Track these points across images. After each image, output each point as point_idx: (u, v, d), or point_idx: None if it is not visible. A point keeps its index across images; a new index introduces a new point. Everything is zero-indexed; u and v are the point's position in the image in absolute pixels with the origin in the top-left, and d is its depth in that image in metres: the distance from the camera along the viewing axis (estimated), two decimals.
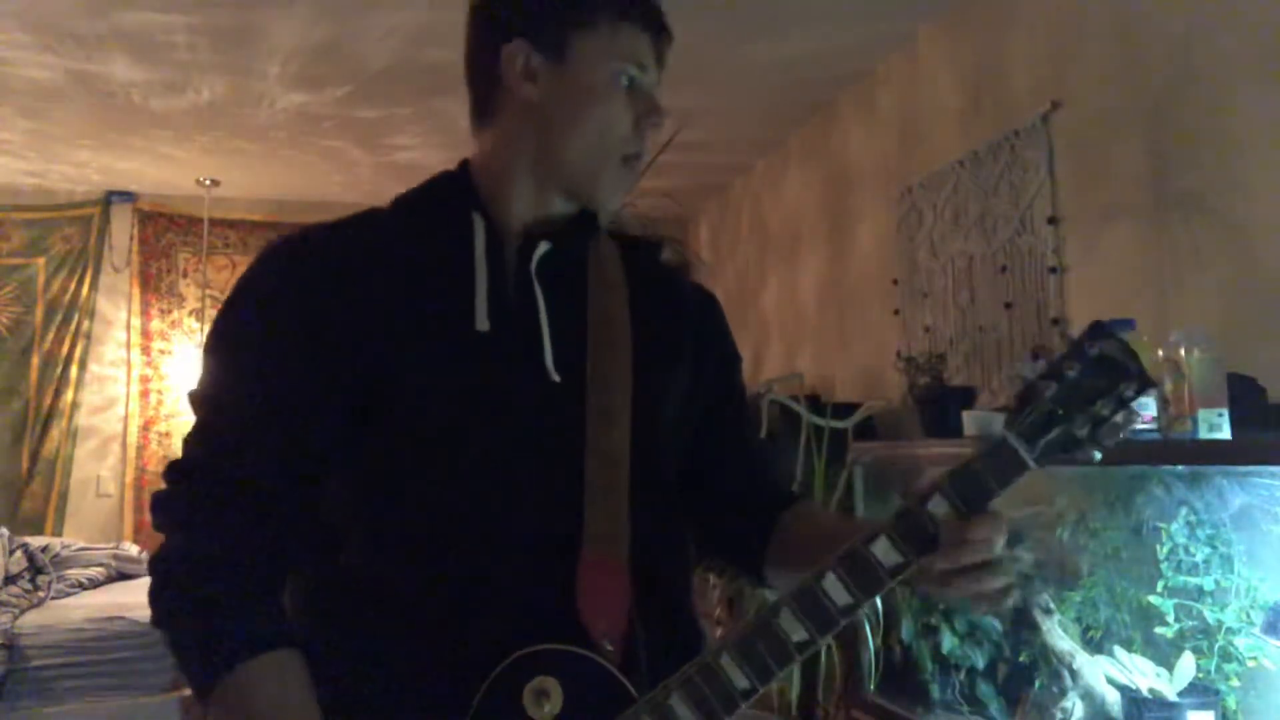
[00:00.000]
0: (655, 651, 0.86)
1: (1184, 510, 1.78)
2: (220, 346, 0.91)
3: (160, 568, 0.85)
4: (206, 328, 0.97)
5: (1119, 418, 0.80)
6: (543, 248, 0.94)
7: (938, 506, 0.80)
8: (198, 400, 0.90)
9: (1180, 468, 1.76)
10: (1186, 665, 1.72)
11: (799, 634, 0.80)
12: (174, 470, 0.87)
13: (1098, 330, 0.82)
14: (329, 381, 0.87)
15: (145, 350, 5.04)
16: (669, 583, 0.96)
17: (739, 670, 0.79)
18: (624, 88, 0.94)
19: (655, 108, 0.96)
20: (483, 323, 0.89)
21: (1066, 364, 0.81)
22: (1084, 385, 0.80)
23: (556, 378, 0.90)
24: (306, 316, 0.88)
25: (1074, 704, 1.81)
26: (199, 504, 0.85)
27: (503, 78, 0.95)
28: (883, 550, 0.80)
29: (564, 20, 0.93)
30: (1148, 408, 1.63)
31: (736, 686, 0.79)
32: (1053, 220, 2.53)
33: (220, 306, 0.93)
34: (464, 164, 1.01)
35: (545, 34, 0.93)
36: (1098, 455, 0.80)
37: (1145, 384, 0.80)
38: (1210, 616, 1.73)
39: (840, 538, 0.95)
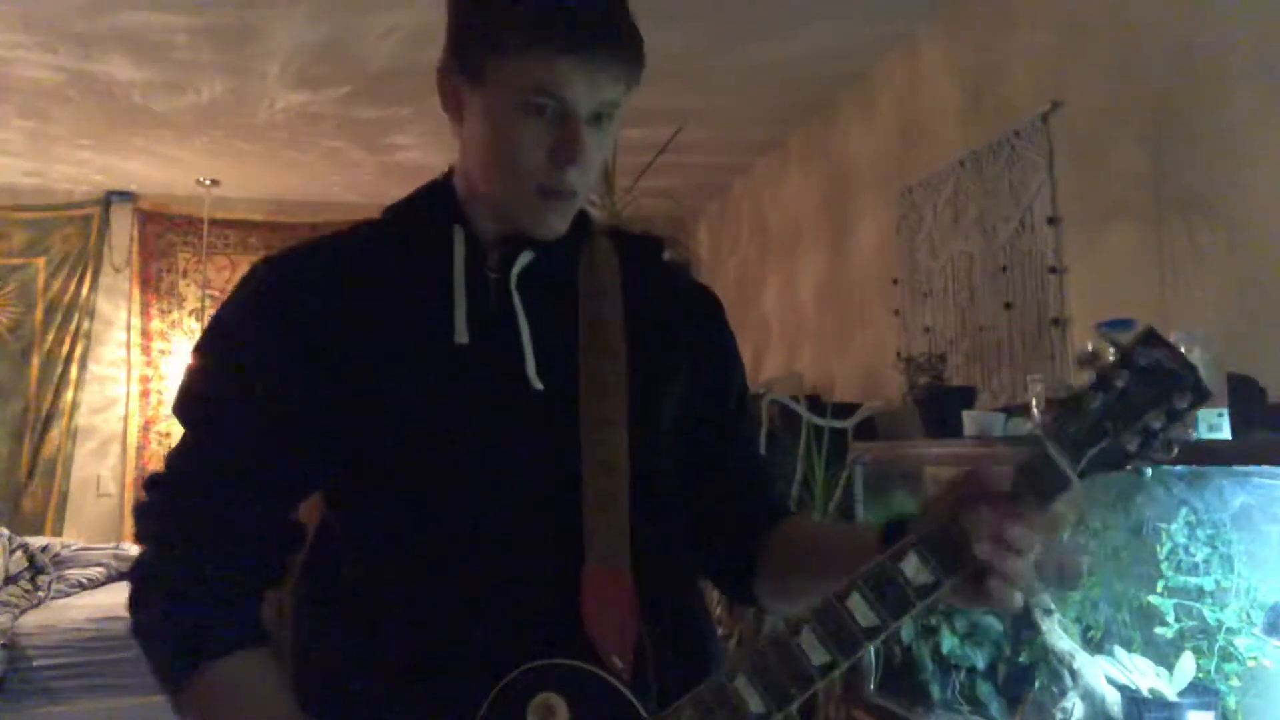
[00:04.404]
0: (665, 667, 0.83)
1: (1184, 510, 1.78)
2: (203, 363, 0.91)
3: (138, 572, 0.86)
4: (203, 328, 1.00)
5: (1172, 431, 0.75)
6: (525, 258, 0.92)
7: (972, 521, 0.75)
8: (181, 414, 0.91)
9: (1180, 468, 1.76)
10: (1186, 665, 1.72)
11: (820, 656, 0.74)
12: (154, 482, 0.88)
13: (1149, 337, 0.77)
14: (310, 402, 0.87)
15: (145, 350, 5.05)
16: (676, 594, 0.94)
17: (755, 693, 0.74)
18: (536, 117, 0.85)
19: (568, 141, 0.85)
20: (462, 335, 0.88)
21: (1115, 373, 0.76)
22: (1133, 396, 0.75)
23: (539, 385, 0.88)
24: (288, 338, 0.88)
25: (1074, 704, 1.81)
26: (176, 517, 0.86)
27: (442, 100, 0.93)
28: (913, 569, 0.75)
29: (479, 44, 0.86)
30: None
31: (751, 711, 0.74)
32: (1053, 220, 2.53)
33: (205, 323, 0.93)
34: (451, 171, 0.99)
35: (466, 58, 0.88)
36: (1148, 471, 0.76)
37: (1200, 395, 0.75)
38: (1210, 616, 1.73)
39: (838, 546, 0.93)
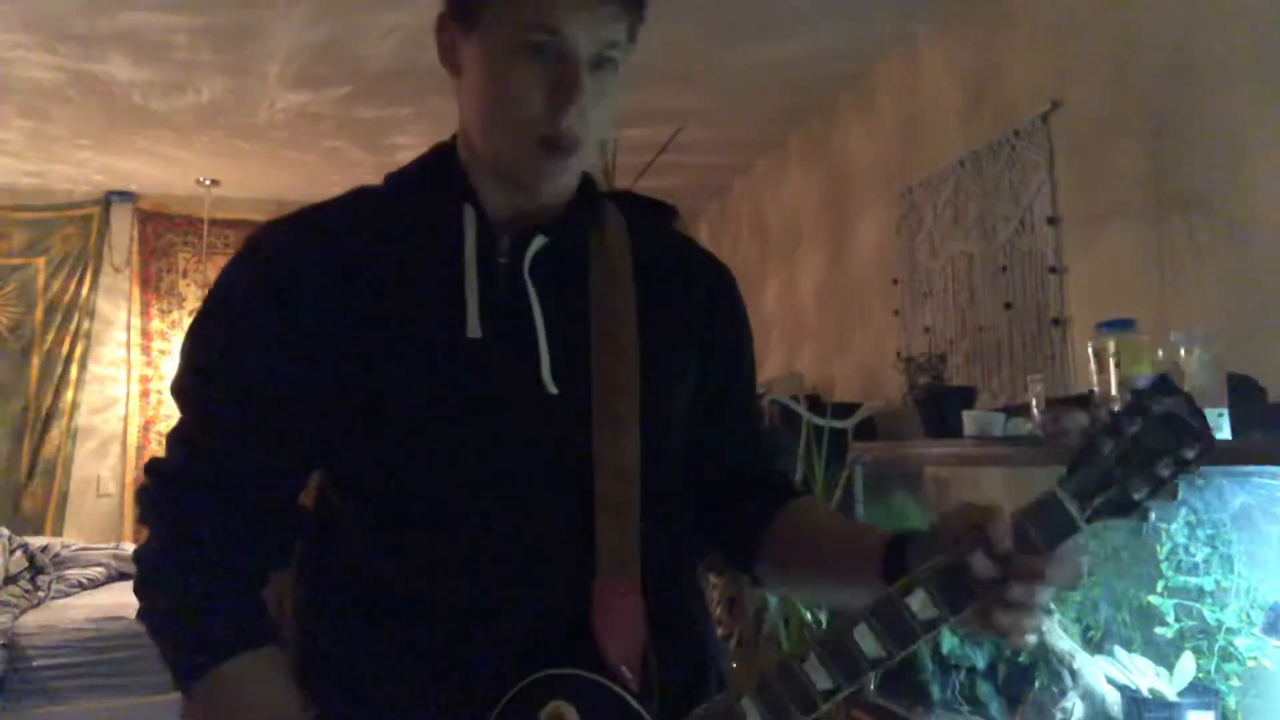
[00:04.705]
0: (667, 673, 0.83)
1: (1184, 510, 1.78)
2: (202, 344, 0.88)
3: (144, 563, 0.85)
4: (201, 303, 0.97)
5: (1178, 479, 0.76)
6: (538, 243, 0.88)
7: (980, 564, 0.75)
8: (179, 396, 0.88)
9: None
10: (1186, 665, 1.72)
11: (825, 682, 0.76)
12: (156, 468, 0.87)
13: (1161, 385, 0.77)
14: (313, 385, 0.84)
15: (145, 350, 5.05)
16: (680, 599, 0.93)
17: (758, 716, 0.75)
18: (533, 59, 0.81)
19: (568, 81, 0.81)
20: (474, 329, 0.84)
21: (1128, 420, 0.76)
22: (1145, 443, 0.75)
23: (554, 390, 0.85)
24: (289, 316, 0.85)
25: (1074, 704, 1.81)
26: (180, 503, 0.85)
27: (440, 58, 0.90)
28: (919, 604, 0.76)
29: None
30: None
31: None
32: (1053, 220, 2.53)
33: (203, 299, 0.90)
34: (455, 137, 0.94)
35: (459, 6, 0.85)
36: (1153, 516, 0.77)
37: (1209, 445, 0.75)
38: (1210, 616, 1.73)
39: (840, 545, 0.92)
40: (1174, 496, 0.77)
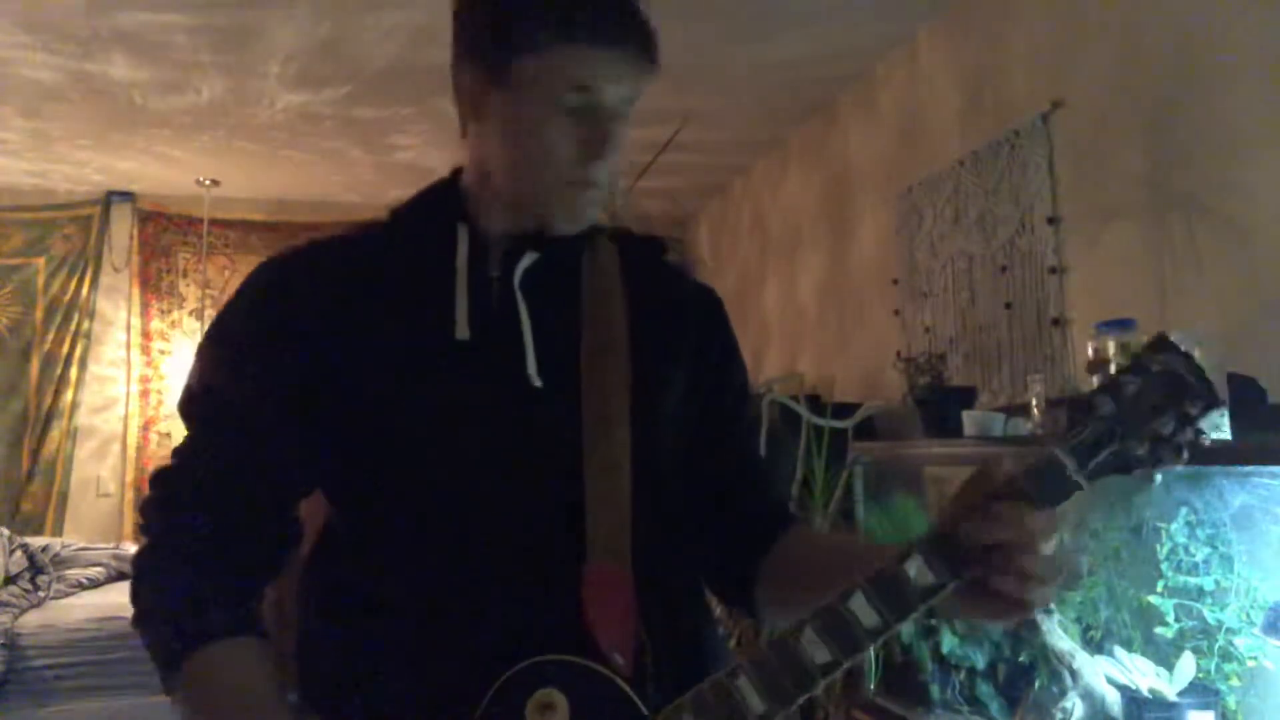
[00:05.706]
0: (664, 665, 0.83)
1: (1184, 510, 1.78)
2: (208, 362, 0.92)
3: (139, 568, 0.88)
4: (206, 328, 1.02)
5: (1183, 436, 0.75)
6: (528, 259, 0.93)
7: (973, 526, 0.74)
8: (183, 413, 0.92)
9: (1180, 468, 1.75)
10: (1186, 665, 1.72)
11: (822, 656, 0.74)
12: (159, 479, 0.90)
13: (1160, 343, 0.76)
14: (309, 401, 0.88)
15: (145, 350, 5.04)
16: (677, 592, 0.94)
17: (755, 693, 0.74)
18: (566, 113, 0.86)
19: (601, 136, 0.87)
20: (463, 331, 0.89)
21: (1125, 379, 0.75)
22: (1143, 401, 0.75)
23: (538, 383, 0.89)
24: (287, 337, 0.89)
25: (1074, 704, 1.81)
26: (177, 512, 0.88)
27: (458, 100, 0.93)
28: (916, 570, 0.74)
29: (502, 46, 0.86)
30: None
31: (753, 710, 0.74)
32: (1053, 220, 2.53)
33: (211, 320, 0.96)
34: (456, 172, 1.00)
35: (488, 60, 0.88)
36: (1158, 476, 0.76)
37: (1212, 401, 0.75)
38: (1210, 616, 1.73)
39: (839, 565, 0.93)
40: (1180, 455, 0.75)
